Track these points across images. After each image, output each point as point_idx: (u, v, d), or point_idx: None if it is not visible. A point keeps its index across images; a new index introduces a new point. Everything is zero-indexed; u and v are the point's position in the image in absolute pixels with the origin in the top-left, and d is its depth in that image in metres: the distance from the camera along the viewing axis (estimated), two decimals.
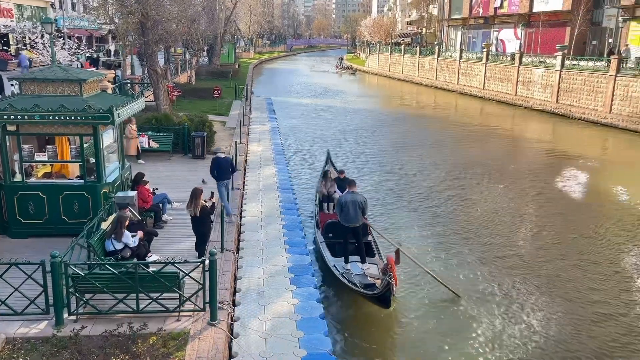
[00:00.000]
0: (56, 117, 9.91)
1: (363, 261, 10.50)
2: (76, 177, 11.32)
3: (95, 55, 43.41)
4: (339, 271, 10.21)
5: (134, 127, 17.30)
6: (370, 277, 10.08)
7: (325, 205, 13.39)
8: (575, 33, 41.26)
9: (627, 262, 12.38)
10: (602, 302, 10.32)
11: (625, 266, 12.13)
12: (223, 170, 12.53)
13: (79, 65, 35.32)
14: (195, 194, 9.98)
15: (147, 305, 7.78)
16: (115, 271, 7.62)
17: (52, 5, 46.13)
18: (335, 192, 13.48)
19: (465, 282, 10.99)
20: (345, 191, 10.88)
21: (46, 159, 11.16)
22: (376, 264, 10.62)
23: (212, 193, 10.92)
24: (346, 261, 10.52)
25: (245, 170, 18.11)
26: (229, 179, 12.78)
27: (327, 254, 10.92)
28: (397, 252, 9.64)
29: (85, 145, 10.96)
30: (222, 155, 12.97)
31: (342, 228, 10.62)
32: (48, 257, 7.44)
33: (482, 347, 8.76)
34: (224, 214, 10.89)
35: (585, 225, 14.78)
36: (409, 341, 9.06)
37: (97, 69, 37.60)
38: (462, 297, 10.24)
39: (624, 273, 11.74)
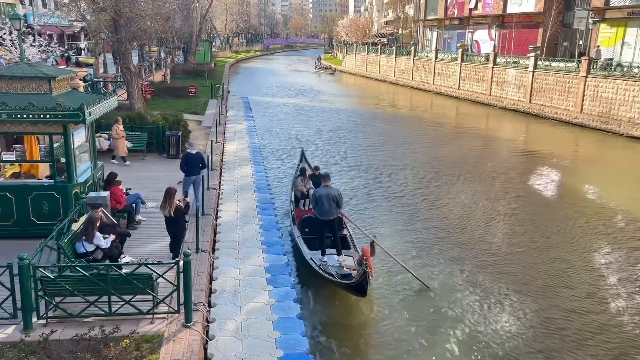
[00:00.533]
0: (24, 116, 9.62)
1: (339, 253, 10.68)
2: (46, 177, 11.03)
3: (66, 54, 42.47)
4: (315, 263, 10.35)
5: (121, 127, 16.87)
6: (346, 268, 10.29)
7: (301, 202, 13.53)
8: (547, 34, 42.09)
9: (597, 258, 12.66)
10: (573, 298, 10.52)
11: (595, 262, 12.39)
12: (192, 165, 12.58)
13: (54, 63, 34.56)
14: (169, 193, 9.80)
15: (119, 307, 7.62)
16: (86, 273, 7.44)
17: (22, 1, 44.96)
18: (310, 188, 13.61)
19: (438, 276, 11.18)
20: (320, 185, 11.09)
21: (14, 159, 10.84)
22: (352, 256, 10.84)
23: (187, 193, 10.77)
24: (323, 254, 10.70)
25: (221, 170, 17.93)
26: (197, 174, 12.74)
27: (303, 247, 11.05)
28: (372, 243, 9.87)
29: (55, 145, 10.68)
30: (193, 151, 12.97)
31: (318, 222, 10.82)
32: (16, 259, 7.22)
33: (451, 338, 8.91)
34: (198, 214, 10.74)
35: (556, 222, 15.06)
36: (384, 338, 9.10)
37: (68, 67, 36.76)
38: (431, 288, 10.58)
39: (594, 269, 11.99)
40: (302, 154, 16.79)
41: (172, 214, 9.77)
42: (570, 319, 9.70)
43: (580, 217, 15.65)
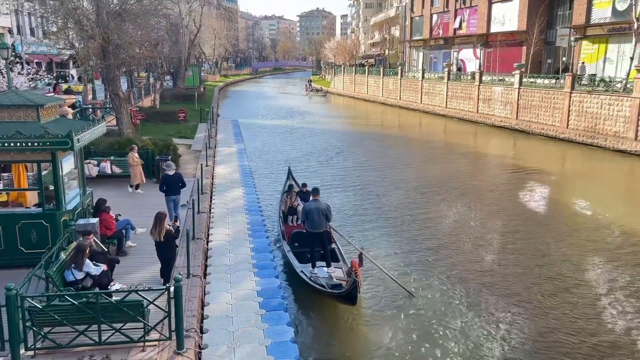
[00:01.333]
0: (12, 144, 9.56)
1: (329, 265, 11.11)
2: (34, 205, 10.92)
3: (54, 82, 42.46)
4: (306, 276, 10.69)
5: (136, 155, 16.74)
6: (336, 279, 10.68)
7: (290, 218, 13.97)
8: (531, 52, 42.86)
9: (584, 270, 12.69)
10: (561, 308, 10.51)
11: (583, 274, 12.42)
12: (171, 186, 13.12)
13: (50, 90, 34.55)
14: (159, 218, 9.74)
15: (110, 336, 7.48)
16: (75, 302, 7.32)
17: (10, 30, 45.09)
18: (298, 204, 13.95)
19: (429, 291, 11.13)
20: (310, 199, 11.63)
21: (1, 188, 10.74)
22: (341, 268, 11.22)
23: (176, 217, 10.70)
24: (313, 266, 11.05)
25: (212, 193, 17.86)
26: (177, 194, 13.24)
27: (294, 261, 11.37)
28: (361, 255, 10.16)
29: (44, 172, 10.61)
30: (171, 172, 13.43)
31: (307, 236, 11.39)
32: (3, 290, 7.09)
33: (433, 343, 8.93)
34: (189, 238, 10.66)
35: (545, 236, 15.11)
36: (376, 352, 9.09)
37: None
38: (415, 295, 10.99)
39: (583, 282, 12.01)
40: (289, 172, 17.61)
41: (163, 239, 9.69)
42: (561, 331, 9.69)
43: (569, 230, 15.72)
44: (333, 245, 11.96)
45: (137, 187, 16.73)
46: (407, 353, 9.03)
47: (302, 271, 10.85)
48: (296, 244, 12.06)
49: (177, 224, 10.50)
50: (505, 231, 15.79)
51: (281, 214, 14.18)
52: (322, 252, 11.21)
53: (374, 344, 9.36)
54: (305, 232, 11.44)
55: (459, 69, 55.79)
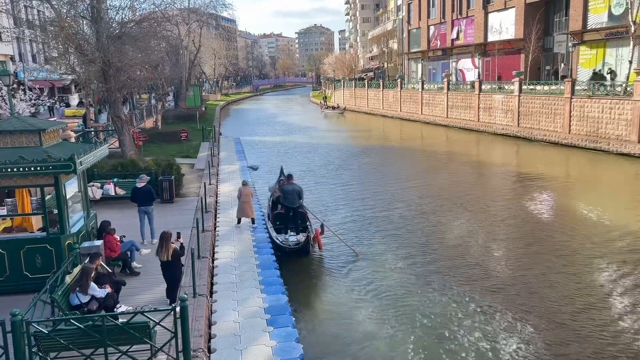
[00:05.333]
0: (14, 169, 9.57)
1: (297, 234, 14.74)
2: (38, 230, 10.91)
3: (55, 105, 42.77)
4: (279, 240, 14.27)
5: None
6: (299, 241, 14.28)
7: (278, 206, 16.29)
8: (530, 59, 42.98)
9: (590, 276, 12.54)
10: (571, 317, 10.37)
11: (590, 280, 12.28)
12: (141, 198, 13.59)
13: (62, 115, 34.83)
14: (165, 237, 9.72)
15: (117, 359, 7.39)
16: (80, 325, 7.24)
17: (12, 58, 45.63)
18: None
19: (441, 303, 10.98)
20: (285, 182, 15.77)
21: (5, 213, 10.74)
22: (307, 235, 14.53)
23: (178, 233, 10.67)
24: (285, 233, 14.92)
25: (216, 212, 17.82)
26: (148, 205, 13.61)
27: (273, 233, 14.91)
28: (322, 225, 15.15)
29: (47, 197, 10.60)
30: (141, 185, 13.80)
31: (284, 214, 15.41)
32: (8, 316, 7.03)
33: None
34: (194, 257, 10.60)
35: (553, 243, 14.98)
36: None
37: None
38: (359, 256, 14.31)
39: (589, 287, 11.87)
40: (281, 169, 19.67)
41: (170, 258, 9.67)
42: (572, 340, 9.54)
43: (577, 235, 15.58)
44: (307, 224, 15.36)
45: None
46: None
47: (277, 238, 14.46)
48: (277, 222, 15.63)
49: (181, 240, 10.46)
50: (524, 244, 15.58)
51: (270, 202, 17.08)
52: (294, 226, 15.01)
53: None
54: (284, 207, 15.32)
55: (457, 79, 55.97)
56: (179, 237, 10.50)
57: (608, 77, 34.09)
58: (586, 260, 13.63)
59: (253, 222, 15.89)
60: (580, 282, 12.19)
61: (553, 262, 13.46)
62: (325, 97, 79.45)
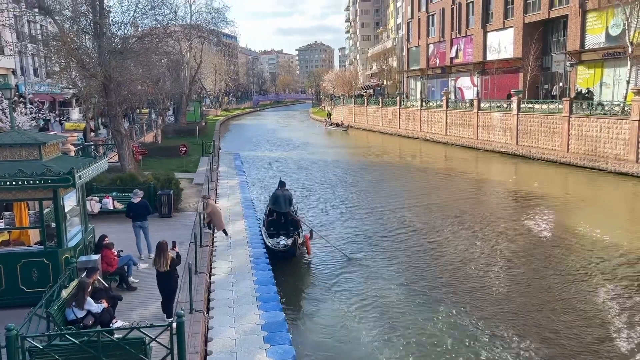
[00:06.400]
0: (14, 183, 9.58)
1: (288, 238, 15.96)
2: (35, 244, 10.87)
3: (53, 120, 42.89)
4: (271, 244, 15.51)
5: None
6: (288, 244, 15.34)
7: (274, 213, 17.25)
8: (528, 78, 43.33)
9: (589, 295, 12.50)
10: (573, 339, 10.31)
11: (589, 299, 12.23)
12: (137, 213, 13.66)
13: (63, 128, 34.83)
14: (162, 248, 9.72)
15: None
16: (76, 341, 7.18)
17: (14, 72, 45.88)
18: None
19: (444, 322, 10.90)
20: (278, 189, 17.22)
21: (3, 227, 10.71)
22: (296, 239, 15.39)
23: (174, 243, 10.65)
24: (277, 237, 16.37)
25: (213, 227, 17.73)
26: (144, 220, 13.66)
27: (266, 237, 16.10)
28: (311, 231, 16.35)
29: (46, 210, 10.58)
30: (136, 200, 13.86)
31: (276, 219, 16.92)
32: (3, 330, 6.98)
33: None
34: (191, 273, 10.55)
35: (550, 262, 14.95)
36: None
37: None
38: (352, 260, 15.36)
39: (590, 306, 11.82)
40: (280, 181, 19.45)
41: (169, 268, 9.65)
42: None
43: (574, 254, 15.55)
44: (299, 230, 16.64)
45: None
46: None
47: (269, 242, 15.72)
48: (271, 229, 17.01)
49: (177, 249, 10.42)
50: (520, 260, 15.58)
51: (267, 211, 18.11)
52: (285, 231, 16.49)
53: None
54: (276, 213, 16.88)
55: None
56: (174, 246, 10.47)
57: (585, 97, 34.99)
58: (586, 278, 13.58)
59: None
60: (581, 301, 12.14)
61: (550, 279, 13.41)
62: (330, 114, 79.21)
